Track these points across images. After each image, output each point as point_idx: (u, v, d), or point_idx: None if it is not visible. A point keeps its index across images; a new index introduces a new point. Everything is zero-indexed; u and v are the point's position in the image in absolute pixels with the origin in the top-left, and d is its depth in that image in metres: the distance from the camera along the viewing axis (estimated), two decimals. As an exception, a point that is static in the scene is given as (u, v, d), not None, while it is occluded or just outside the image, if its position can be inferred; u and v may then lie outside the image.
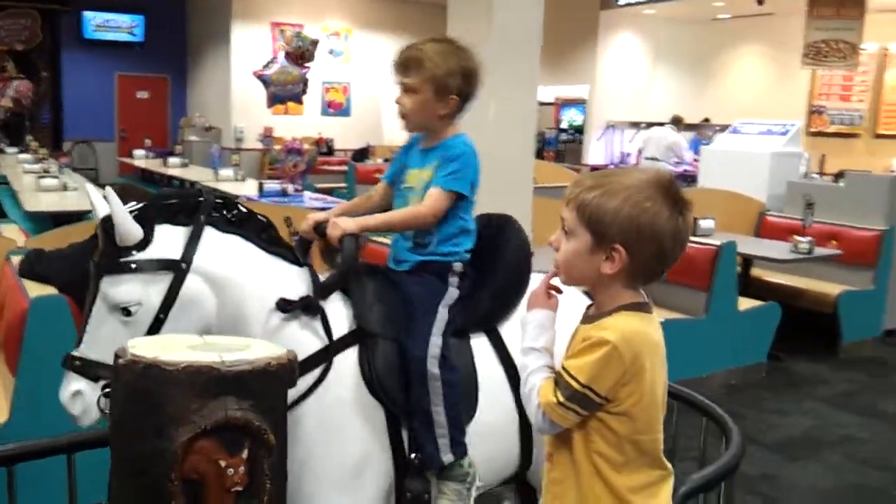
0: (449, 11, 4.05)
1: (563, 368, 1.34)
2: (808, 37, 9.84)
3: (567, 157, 13.33)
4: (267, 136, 9.02)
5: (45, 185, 6.86)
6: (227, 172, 8.85)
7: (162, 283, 1.61)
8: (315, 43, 8.30)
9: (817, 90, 11.89)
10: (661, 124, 10.63)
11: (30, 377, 2.78)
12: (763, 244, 5.70)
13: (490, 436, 1.89)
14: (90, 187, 1.72)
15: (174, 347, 1.32)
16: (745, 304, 4.98)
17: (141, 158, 11.75)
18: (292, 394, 1.64)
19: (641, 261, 1.34)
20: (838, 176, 8.81)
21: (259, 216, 1.77)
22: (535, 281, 2.03)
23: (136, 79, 14.88)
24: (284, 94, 8.37)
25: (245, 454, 1.28)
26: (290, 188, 7.36)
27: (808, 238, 5.27)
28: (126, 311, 1.60)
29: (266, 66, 8.50)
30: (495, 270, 2.00)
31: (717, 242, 4.81)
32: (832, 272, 5.66)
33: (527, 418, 1.91)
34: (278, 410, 1.34)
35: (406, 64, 1.91)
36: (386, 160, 12.10)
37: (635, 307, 1.37)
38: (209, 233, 1.68)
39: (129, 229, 1.59)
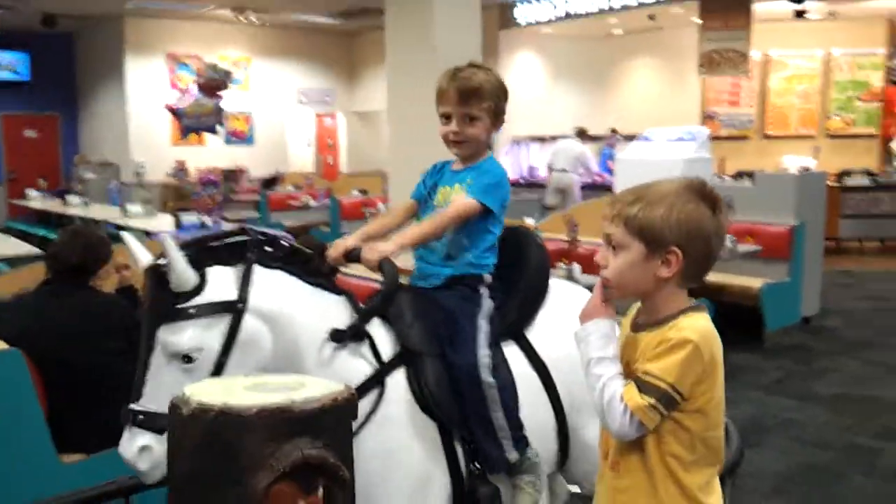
0: (387, 36, 4.06)
1: (645, 372, 1.38)
2: (702, 48, 10.41)
3: (477, 174, 13.50)
4: (181, 170, 8.77)
5: (-57, 236, 6.42)
6: (135, 208, 8.52)
7: (220, 325, 1.57)
8: (228, 73, 8.18)
9: (708, 97, 12.58)
10: (566, 137, 10.95)
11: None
12: (687, 245, 5.95)
13: (531, 434, 1.93)
14: (128, 237, 1.64)
15: (234, 391, 1.27)
16: (679, 303, 5.18)
17: (37, 199, 11.18)
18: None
19: (693, 260, 1.41)
20: (736, 176, 9.35)
21: (300, 249, 1.75)
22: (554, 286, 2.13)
23: (23, 118, 14.14)
24: (199, 125, 8.17)
25: (320, 492, 1.25)
26: (209, 220, 7.21)
27: (731, 237, 5.55)
28: (187, 359, 1.55)
29: (179, 99, 8.28)
30: (520, 281, 2.06)
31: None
32: (750, 267, 5.98)
33: (562, 416, 1.98)
34: (346, 445, 1.31)
35: (466, 94, 1.95)
36: (297, 187, 11.93)
37: (696, 308, 1.43)
38: (258, 271, 1.65)
39: (187, 275, 1.55)
